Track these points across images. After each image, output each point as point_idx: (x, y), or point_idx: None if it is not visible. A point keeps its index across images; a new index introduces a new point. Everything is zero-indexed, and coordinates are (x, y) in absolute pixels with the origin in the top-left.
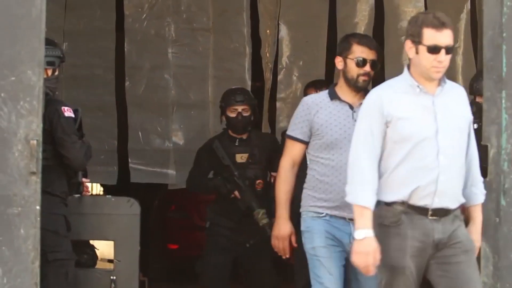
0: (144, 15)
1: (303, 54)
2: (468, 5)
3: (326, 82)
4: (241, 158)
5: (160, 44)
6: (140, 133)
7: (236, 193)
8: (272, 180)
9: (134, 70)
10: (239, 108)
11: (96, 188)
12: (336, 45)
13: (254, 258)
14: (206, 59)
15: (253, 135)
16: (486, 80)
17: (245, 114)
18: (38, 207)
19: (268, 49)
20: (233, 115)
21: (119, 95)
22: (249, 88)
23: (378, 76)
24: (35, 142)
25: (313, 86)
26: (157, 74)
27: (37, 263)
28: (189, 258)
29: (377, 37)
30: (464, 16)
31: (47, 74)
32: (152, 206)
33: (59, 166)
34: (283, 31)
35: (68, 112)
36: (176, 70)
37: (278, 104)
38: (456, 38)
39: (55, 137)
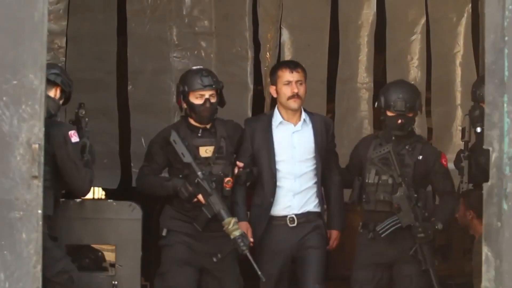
0: (147, 19)
1: (305, 58)
2: (469, 9)
3: (298, 62)
4: (205, 151)
5: (162, 48)
6: (142, 137)
7: (200, 197)
8: (236, 172)
9: (137, 74)
10: (207, 94)
11: (97, 192)
12: (338, 49)
13: (220, 275)
14: (208, 63)
15: (218, 124)
16: (488, 84)
17: (213, 100)
18: (40, 211)
19: (269, 53)
20: (199, 102)
21: (121, 99)
22: (251, 92)
23: (380, 79)
24: (37, 146)
25: (287, 66)
26: (159, 78)
27: (39, 267)
28: None
29: (379, 41)
30: (465, 21)
31: (55, 94)
32: (154, 210)
33: (52, 188)
34: (285, 35)
35: (74, 137)
36: (178, 74)
37: None
38: (456, 43)
39: (59, 163)
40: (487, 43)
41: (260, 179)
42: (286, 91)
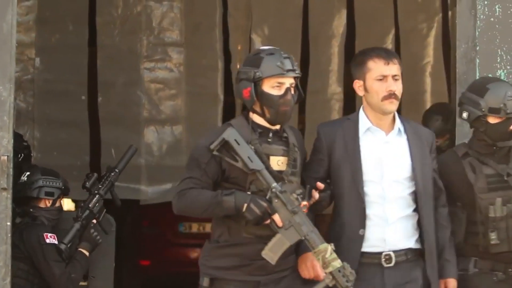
0: (117, 31)
1: None
2: (439, 19)
3: (391, 50)
4: (278, 163)
5: (132, 60)
6: (112, 149)
7: (277, 217)
8: (317, 196)
9: (107, 85)
10: (287, 82)
11: (67, 204)
12: (309, 60)
13: None
14: (178, 75)
15: (286, 128)
16: (459, 94)
17: (293, 92)
18: (9, 223)
19: (240, 64)
20: (277, 92)
21: (92, 111)
22: (222, 104)
23: (351, 91)
24: (5, 157)
25: (380, 55)
26: (129, 89)
27: (8, 280)
28: (162, 275)
29: (348, 54)
30: (435, 31)
31: (45, 205)
32: (125, 222)
33: (19, 286)
34: (256, 46)
35: (51, 239)
36: (148, 86)
37: None
38: (426, 53)
39: (35, 262)
40: (459, 53)
41: (338, 205)
42: (379, 89)
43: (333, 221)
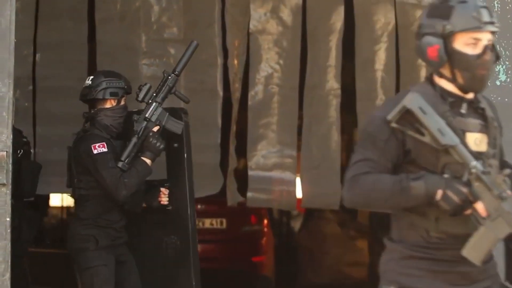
0: (115, 27)
1: (275, 64)
2: None
3: None
4: (475, 142)
5: (131, 56)
6: None
7: (480, 206)
8: None
9: None
10: (485, 38)
11: (66, 200)
12: (307, 56)
13: None
14: None
15: (479, 96)
16: None
17: (492, 51)
18: (8, 219)
19: (237, 60)
20: (472, 50)
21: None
22: (221, 100)
23: (350, 86)
24: (4, 153)
25: None
26: None
27: (8, 275)
28: None
29: (348, 47)
30: None
31: (111, 104)
32: None
33: (94, 196)
34: (254, 42)
35: (99, 148)
36: (147, 82)
37: (250, 114)
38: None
39: (92, 173)
40: None
41: None
42: None
43: None
